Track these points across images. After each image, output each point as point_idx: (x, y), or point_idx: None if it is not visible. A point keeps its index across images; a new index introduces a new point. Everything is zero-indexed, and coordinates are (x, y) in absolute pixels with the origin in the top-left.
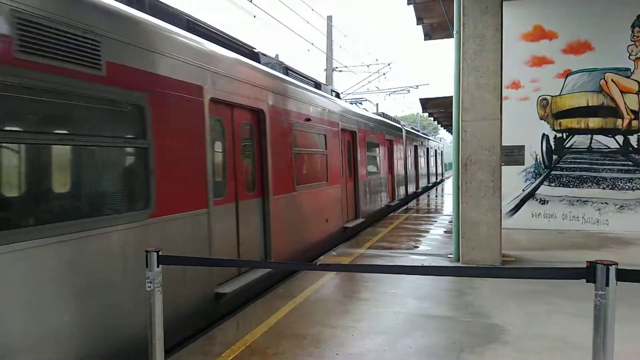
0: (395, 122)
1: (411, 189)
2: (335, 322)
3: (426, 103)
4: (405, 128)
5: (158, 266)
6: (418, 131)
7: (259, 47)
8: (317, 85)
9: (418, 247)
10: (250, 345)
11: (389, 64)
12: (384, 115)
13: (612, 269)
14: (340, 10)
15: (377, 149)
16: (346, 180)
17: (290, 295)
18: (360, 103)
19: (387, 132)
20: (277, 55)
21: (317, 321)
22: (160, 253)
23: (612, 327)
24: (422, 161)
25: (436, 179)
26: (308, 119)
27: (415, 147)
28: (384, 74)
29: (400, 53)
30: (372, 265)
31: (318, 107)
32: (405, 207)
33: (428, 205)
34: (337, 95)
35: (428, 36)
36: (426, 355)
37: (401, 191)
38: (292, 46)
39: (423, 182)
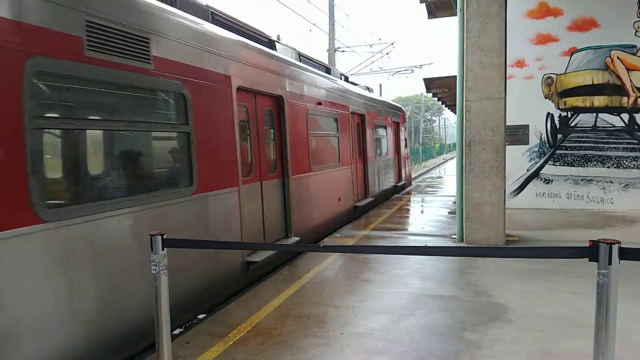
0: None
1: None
2: (339, 303)
3: (430, 83)
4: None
5: (163, 249)
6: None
7: (260, 29)
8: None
9: (422, 227)
10: (257, 326)
11: (392, 44)
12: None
13: (615, 248)
14: None
15: None
16: None
17: (295, 277)
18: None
19: None
20: (278, 36)
21: (321, 302)
22: (164, 236)
23: (614, 305)
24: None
25: (360, 194)
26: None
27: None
28: (387, 53)
29: (404, 33)
30: (375, 246)
31: None
32: None
33: None
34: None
35: (432, 14)
36: (429, 333)
37: None
38: (293, 27)
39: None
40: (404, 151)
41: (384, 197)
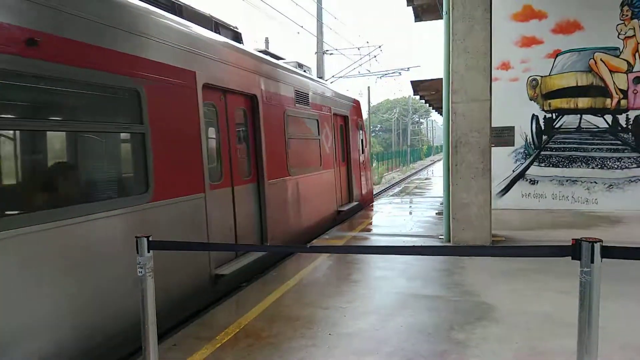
0: None
1: None
2: (327, 304)
3: (417, 85)
4: None
5: (149, 251)
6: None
7: (246, 31)
8: None
9: (410, 228)
10: (245, 328)
11: (379, 47)
12: None
13: (597, 246)
14: None
15: None
16: None
17: (283, 278)
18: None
19: None
20: (266, 39)
21: (309, 303)
22: (150, 238)
23: (597, 303)
24: None
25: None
26: None
27: None
28: (374, 56)
29: (392, 36)
30: (362, 247)
31: None
32: None
33: None
34: None
35: (418, 18)
36: (417, 333)
37: None
38: (281, 29)
39: None
40: (359, 158)
41: (310, 234)
